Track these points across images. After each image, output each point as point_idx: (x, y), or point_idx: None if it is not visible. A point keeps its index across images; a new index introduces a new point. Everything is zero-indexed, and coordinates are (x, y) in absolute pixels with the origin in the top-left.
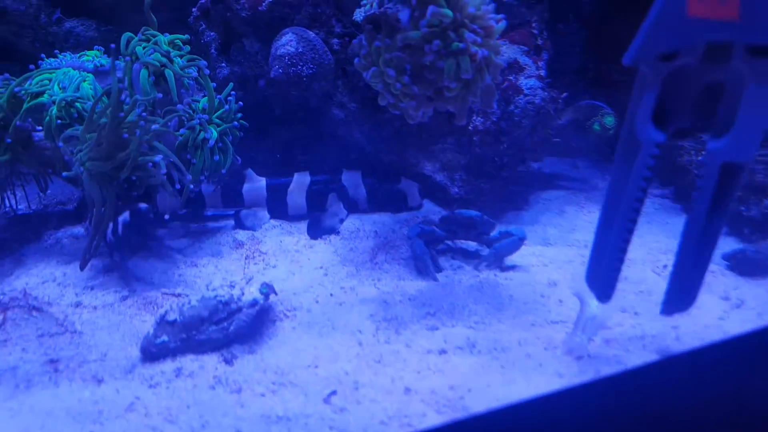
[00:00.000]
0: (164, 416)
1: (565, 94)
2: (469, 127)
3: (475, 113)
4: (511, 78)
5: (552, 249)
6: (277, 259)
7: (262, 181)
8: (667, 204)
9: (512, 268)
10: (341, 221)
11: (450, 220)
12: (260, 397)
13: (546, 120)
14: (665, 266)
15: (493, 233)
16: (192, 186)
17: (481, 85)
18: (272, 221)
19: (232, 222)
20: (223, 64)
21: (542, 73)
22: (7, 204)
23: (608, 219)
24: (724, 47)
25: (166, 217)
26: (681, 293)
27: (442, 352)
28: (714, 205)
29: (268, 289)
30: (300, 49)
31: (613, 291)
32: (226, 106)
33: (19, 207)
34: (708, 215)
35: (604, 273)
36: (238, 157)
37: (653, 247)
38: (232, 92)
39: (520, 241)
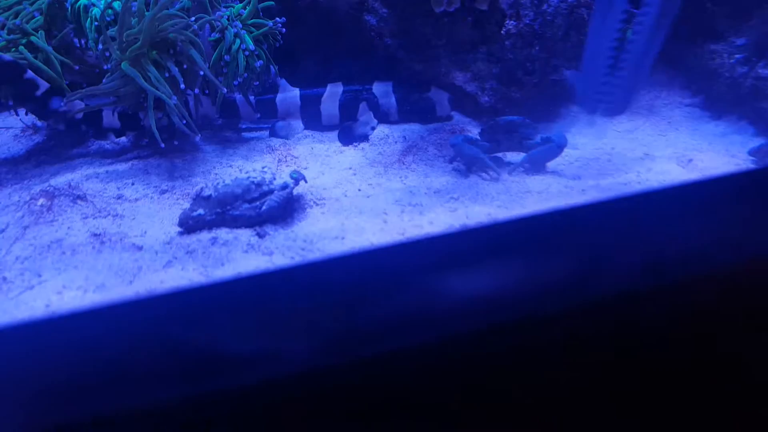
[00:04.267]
0: (199, 271)
1: None
2: (502, 32)
3: (508, 16)
4: None
5: (578, 151)
6: (308, 162)
7: (296, 91)
8: (696, 113)
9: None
10: (372, 129)
11: (491, 128)
12: (290, 259)
13: (579, 25)
14: (690, 160)
15: (535, 139)
16: (225, 92)
17: None
18: (305, 131)
19: (266, 133)
20: None
21: None
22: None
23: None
24: None
25: (191, 132)
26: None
27: (463, 226)
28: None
29: (298, 175)
30: None
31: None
32: (269, 23)
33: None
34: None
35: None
36: (273, 67)
37: (680, 147)
38: (279, 19)
39: (559, 148)
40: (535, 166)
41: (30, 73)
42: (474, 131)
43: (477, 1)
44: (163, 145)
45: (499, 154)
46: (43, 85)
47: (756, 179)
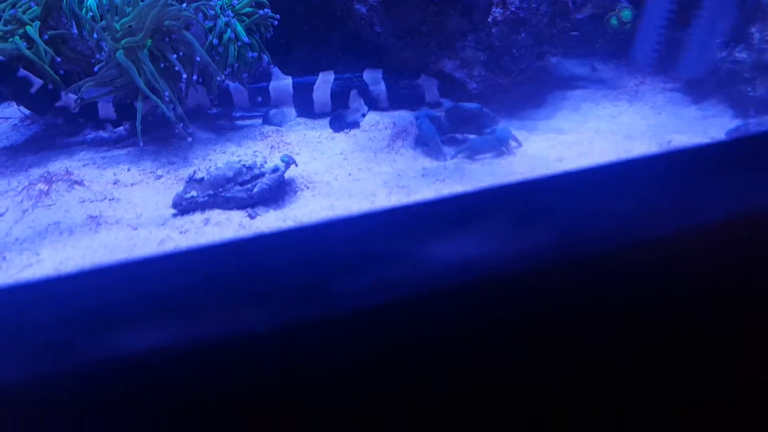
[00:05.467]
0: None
1: None
2: (488, 19)
3: (494, 4)
4: None
5: (563, 136)
6: (301, 148)
7: (289, 79)
8: (678, 97)
9: (523, 150)
10: (363, 116)
11: (453, 112)
12: None
13: (564, 12)
14: (669, 142)
15: (489, 129)
16: (219, 79)
17: None
18: (298, 119)
19: (259, 121)
20: None
21: None
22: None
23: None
24: None
25: (180, 125)
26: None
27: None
28: None
29: (288, 159)
30: None
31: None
32: (260, 11)
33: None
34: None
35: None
36: (266, 55)
37: (661, 130)
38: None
39: (498, 141)
40: (475, 153)
41: (23, 71)
42: None
43: None
44: (141, 143)
45: (458, 136)
46: (37, 82)
47: (717, 151)
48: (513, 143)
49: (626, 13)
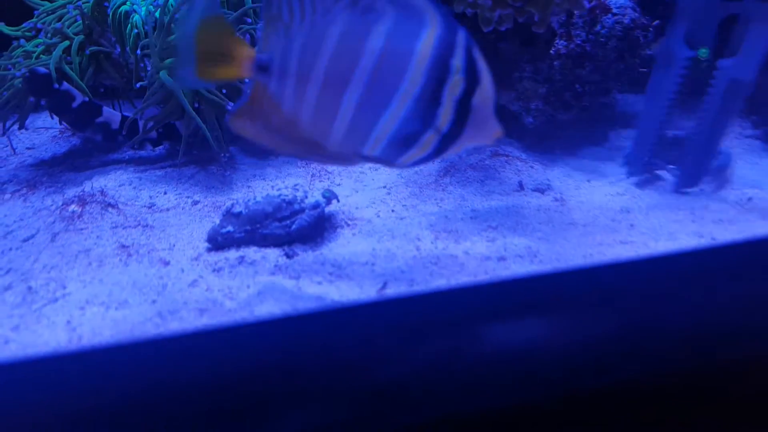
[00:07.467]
0: (224, 293)
1: (657, 22)
2: (551, 51)
3: (558, 36)
4: None
5: (627, 181)
6: (342, 179)
7: None
8: (757, 145)
9: (583, 196)
10: None
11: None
12: (317, 284)
13: (634, 47)
14: (750, 198)
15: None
16: None
17: None
18: None
19: None
20: None
21: None
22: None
23: (648, 112)
24: None
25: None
26: (689, 176)
27: (501, 259)
28: (720, 109)
29: (330, 194)
30: None
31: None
32: None
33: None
34: (715, 118)
35: (642, 153)
36: None
37: (738, 182)
38: None
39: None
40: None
41: (66, 85)
42: (516, 153)
43: (534, 24)
44: (180, 161)
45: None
46: (79, 96)
47: None
48: None
49: (703, 51)
